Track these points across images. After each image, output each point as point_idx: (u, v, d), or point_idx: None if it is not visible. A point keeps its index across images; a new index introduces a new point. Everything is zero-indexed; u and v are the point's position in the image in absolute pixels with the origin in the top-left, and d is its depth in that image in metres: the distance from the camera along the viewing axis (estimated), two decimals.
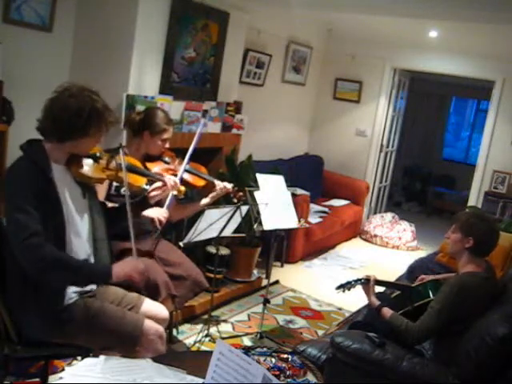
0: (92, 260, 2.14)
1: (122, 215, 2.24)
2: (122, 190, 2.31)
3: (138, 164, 2.61)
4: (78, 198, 2.11)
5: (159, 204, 2.65)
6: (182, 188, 2.71)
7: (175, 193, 2.70)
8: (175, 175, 2.84)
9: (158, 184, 2.50)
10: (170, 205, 2.75)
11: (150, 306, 2.35)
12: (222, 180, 3.21)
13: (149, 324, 2.17)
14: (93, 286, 2.17)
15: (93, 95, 2.05)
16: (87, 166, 2.15)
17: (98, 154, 2.21)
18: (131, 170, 2.41)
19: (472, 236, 2.36)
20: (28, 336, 2.01)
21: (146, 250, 2.89)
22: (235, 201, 3.16)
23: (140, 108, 3.35)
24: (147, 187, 2.45)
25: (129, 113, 3.33)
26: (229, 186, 3.12)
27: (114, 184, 2.77)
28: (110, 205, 2.53)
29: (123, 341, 2.10)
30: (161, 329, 2.24)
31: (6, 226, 2.00)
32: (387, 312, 2.45)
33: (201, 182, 3.07)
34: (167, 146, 3.02)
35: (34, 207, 1.89)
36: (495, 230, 2.44)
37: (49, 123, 2.01)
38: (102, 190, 2.71)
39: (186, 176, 2.99)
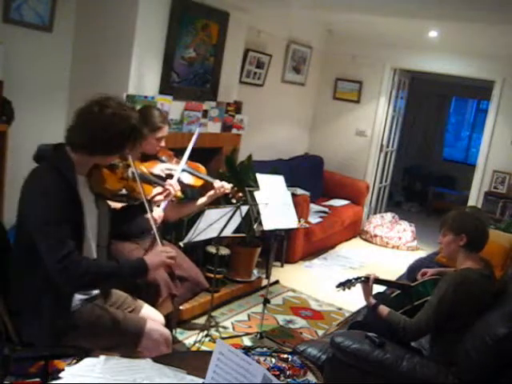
0: None
1: (125, 218, 2.36)
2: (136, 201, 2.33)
3: (145, 171, 2.66)
4: (92, 208, 2.08)
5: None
6: (179, 193, 2.73)
7: (173, 198, 2.74)
8: (172, 175, 2.84)
9: (159, 189, 2.57)
10: (167, 206, 2.74)
11: (148, 310, 2.35)
12: (222, 180, 3.17)
13: (152, 326, 2.17)
14: (96, 291, 2.17)
15: (132, 112, 2.00)
16: (105, 176, 2.13)
17: (115, 163, 2.17)
18: (143, 179, 2.41)
19: (464, 232, 2.38)
20: (30, 341, 2.00)
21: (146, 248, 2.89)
22: (234, 201, 3.12)
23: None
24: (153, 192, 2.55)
25: None
26: (227, 186, 3.04)
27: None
28: (119, 205, 2.51)
29: (125, 342, 2.10)
30: (166, 331, 2.23)
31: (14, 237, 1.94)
32: (384, 310, 2.45)
33: (198, 182, 3.02)
34: (163, 144, 2.96)
35: (64, 220, 1.83)
36: (483, 221, 2.47)
37: (85, 137, 1.92)
38: None
39: (184, 176, 2.94)
